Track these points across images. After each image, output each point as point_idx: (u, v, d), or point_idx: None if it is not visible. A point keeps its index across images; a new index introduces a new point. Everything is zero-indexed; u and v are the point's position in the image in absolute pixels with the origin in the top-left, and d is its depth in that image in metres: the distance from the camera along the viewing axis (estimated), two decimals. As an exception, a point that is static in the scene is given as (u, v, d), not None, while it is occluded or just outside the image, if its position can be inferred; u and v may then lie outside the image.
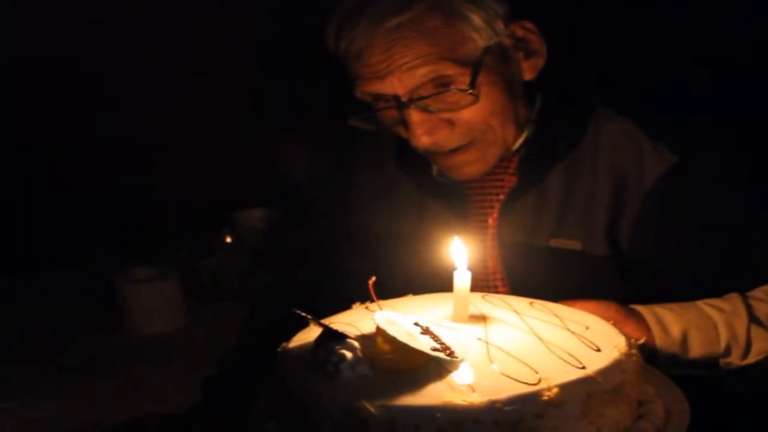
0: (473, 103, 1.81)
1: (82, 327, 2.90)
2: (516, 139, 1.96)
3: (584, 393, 1.22)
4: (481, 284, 2.00)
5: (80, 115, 3.46)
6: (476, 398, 1.18)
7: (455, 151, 1.89)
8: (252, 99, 3.76)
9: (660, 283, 1.83)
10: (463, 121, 1.84)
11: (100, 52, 3.44)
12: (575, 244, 1.91)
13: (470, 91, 1.78)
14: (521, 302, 1.59)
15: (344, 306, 1.64)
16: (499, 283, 2.02)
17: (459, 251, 1.53)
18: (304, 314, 1.41)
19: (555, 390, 1.20)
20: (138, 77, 3.52)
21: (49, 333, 2.86)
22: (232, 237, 3.27)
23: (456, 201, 2.05)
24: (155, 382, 2.45)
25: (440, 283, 1.61)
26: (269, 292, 2.86)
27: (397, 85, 1.79)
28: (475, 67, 1.78)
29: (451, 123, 1.84)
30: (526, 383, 1.22)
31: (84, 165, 3.50)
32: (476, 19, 1.79)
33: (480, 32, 1.79)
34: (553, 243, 1.93)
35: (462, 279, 1.50)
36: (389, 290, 1.62)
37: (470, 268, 1.51)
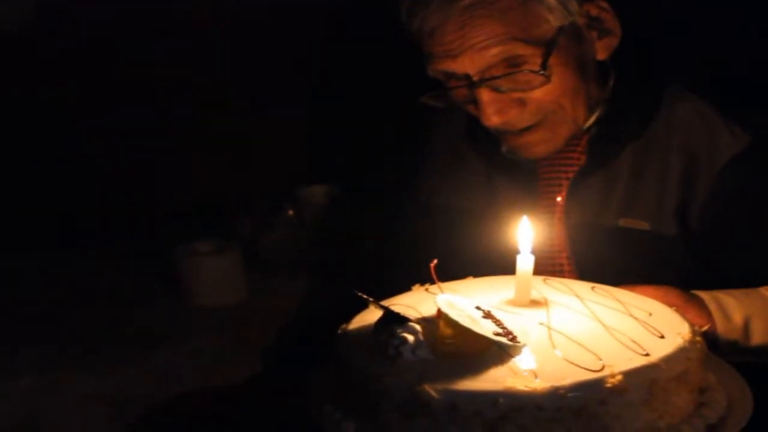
0: (545, 83, 1.79)
1: (140, 298, 2.95)
2: (587, 118, 1.93)
3: (648, 380, 1.21)
4: (546, 263, 1.98)
5: (149, 91, 3.50)
6: (539, 384, 1.17)
7: (525, 130, 1.87)
8: (317, 73, 3.77)
9: (727, 265, 1.81)
10: (534, 101, 1.82)
11: (165, 37, 3.48)
12: (643, 224, 1.90)
13: (542, 71, 1.76)
14: (583, 286, 1.57)
15: (409, 279, 1.63)
16: (564, 262, 2.00)
17: (525, 233, 1.51)
18: (365, 296, 1.41)
19: (619, 377, 1.18)
20: (205, 58, 3.56)
21: (108, 303, 2.91)
22: (294, 212, 3.29)
23: (525, 179, 2.03)
24: (213, 354, 2.48)
25: (503, 262, 1.59)
26: (331, 266, 2.86)
27: (468, 64, 1.78)
28: (547, 47, 1.76)
29: (521, 102, 1.82)
30: (590, 370, 1.20)
31: (149, 138, 3.55)
32: None
33: (554, 12, 1.77)
34: (622, 223, 1.92)
35: (525, 262, 1.48)
36: (453, 266, 1.61)
37: (536, 248, 1.49)
